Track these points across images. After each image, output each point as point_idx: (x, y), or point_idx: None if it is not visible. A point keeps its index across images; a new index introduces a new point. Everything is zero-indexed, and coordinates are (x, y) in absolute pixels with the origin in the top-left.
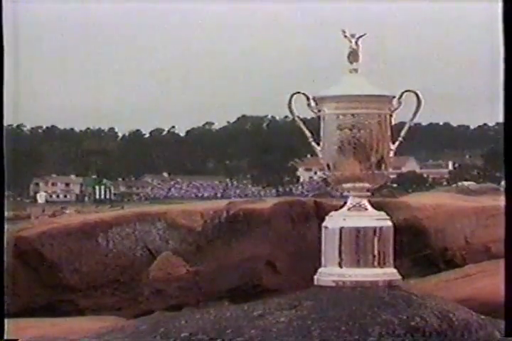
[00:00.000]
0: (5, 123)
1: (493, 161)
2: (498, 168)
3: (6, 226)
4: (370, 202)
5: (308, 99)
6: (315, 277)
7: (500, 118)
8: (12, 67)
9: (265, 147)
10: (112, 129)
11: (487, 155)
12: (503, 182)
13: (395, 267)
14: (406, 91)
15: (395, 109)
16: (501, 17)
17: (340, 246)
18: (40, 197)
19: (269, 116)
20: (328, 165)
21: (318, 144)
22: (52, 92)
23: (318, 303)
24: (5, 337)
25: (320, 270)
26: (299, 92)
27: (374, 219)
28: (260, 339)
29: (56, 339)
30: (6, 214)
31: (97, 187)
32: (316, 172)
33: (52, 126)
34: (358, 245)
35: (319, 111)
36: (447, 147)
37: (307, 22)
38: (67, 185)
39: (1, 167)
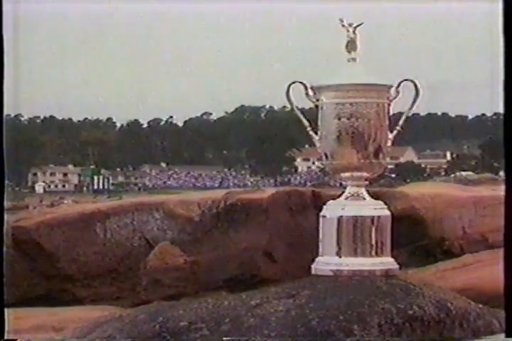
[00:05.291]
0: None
1: (490, 151)
2: (495, 158)
3: (5, 217)
4: (368, 191)
5: (306, 88)
6: (313, 266)
7: (498, 109)
8: (12, 60)
9: (263, 137)
10: (110, 119)
11: (485, 146)
12: (501, 172)
13: (393, 257)
14: (404, 80)
15: (393, 98)
16: (502, 7)
17: (338, 235)
18: (38, 187)
19: (268, 106)
20: (326, 155)
21: (316, 133)
22: (50, 83)
23: (316, 292)
24: (4, 328)
25: (318, 259)
26: (297, 82)
27: (372, 208)
28: (258, 328)
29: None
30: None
31: (95, 178)
32: (313, 163)
33: (51, 116)
34: (355, 234)
35: (317, 100)
36: (445, 137)
37: (305, 16)
38: (65, 175)
39: (1, 157)
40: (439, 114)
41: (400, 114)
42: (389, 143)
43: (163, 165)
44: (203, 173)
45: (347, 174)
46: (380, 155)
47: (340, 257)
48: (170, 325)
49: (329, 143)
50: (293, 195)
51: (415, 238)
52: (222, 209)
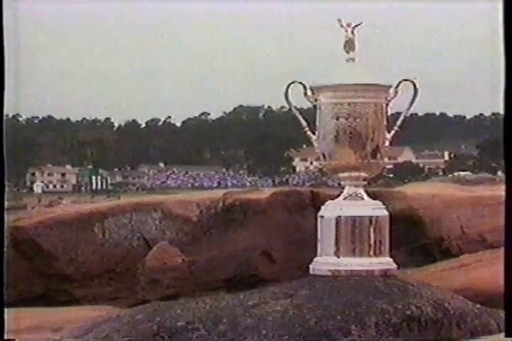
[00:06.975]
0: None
1: (488, 151)
2: (493, 158)
3: (5, 217)
4: (366, 191)
5: (305, 88)
6: (311, 266)
7: (496, 109)
8: (12, 59)
9: (261, 137)
10: (108, 119)
11: (483, 146)
12: (499, 172)
13: (391, 257)
14: (403, 80)
15: (392, 98)
16: (502, 7)
17: (336, 235)
18: (37, 188)
19: (266, 106)
20: (323, 155)
21: (314, 134)
22: (49, 83)
23: (314, 292)
24: (4, 329)
25: (316, 259)
26: (295, 82)
27: (370, 208)
28: (256, 328)
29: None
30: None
31: (93, 178)
32: (311, 163)
33: (49, 116)
34: (354, 234)
35: (316, 100)
36: (443, 137)
37: (304, 16)
38: (63, 175)
39: (1, 158)
40: (437, 113)
41: (398, 113)
42: (387, 143)
43: (162, 165)
44: (201, 173)
45: (345, 174)
46: (378, 155)
47: (338, 257)
48: (167, 325)
49: (327, 143)
50: (291, 195)
51: (413, 238)
52: (221, 210)
